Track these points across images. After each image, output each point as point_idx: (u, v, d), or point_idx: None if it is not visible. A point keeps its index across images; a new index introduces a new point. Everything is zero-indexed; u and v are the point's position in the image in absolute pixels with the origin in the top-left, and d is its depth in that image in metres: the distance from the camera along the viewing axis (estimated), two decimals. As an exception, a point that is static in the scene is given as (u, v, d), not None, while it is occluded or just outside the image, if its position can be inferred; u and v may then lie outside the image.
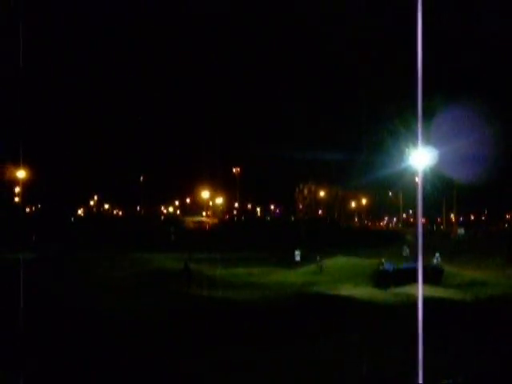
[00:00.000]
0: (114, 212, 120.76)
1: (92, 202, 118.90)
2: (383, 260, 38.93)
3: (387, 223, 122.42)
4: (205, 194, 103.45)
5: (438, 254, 40.16)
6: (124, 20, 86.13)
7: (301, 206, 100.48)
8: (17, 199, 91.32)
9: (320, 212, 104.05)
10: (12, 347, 17.39)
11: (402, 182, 66.91)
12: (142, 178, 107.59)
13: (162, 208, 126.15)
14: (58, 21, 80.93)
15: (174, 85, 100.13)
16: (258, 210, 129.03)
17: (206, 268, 39.79)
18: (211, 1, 79.32)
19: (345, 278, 37.73)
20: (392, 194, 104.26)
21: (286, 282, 36.35)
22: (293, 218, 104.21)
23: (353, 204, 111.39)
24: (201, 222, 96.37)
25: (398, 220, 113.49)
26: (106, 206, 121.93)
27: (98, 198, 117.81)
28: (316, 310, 25.44)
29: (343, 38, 70.66)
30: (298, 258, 46.77)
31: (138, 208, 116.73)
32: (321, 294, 31.14)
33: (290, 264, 44.95)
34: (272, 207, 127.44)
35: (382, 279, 35.87)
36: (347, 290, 32.27)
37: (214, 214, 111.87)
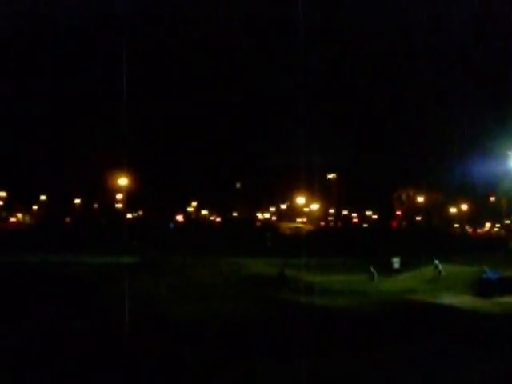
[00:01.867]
0: (212, 218, 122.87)
1: (191, 209, 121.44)
2: (486, 268, 37.51)
3: (489, 229, 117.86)
4: (301, 200, 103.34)
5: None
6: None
7: (398, 212, 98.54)
8: (119, 205, 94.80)
9: (418, 218, 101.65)
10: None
11: (505, 187, 64.38)
12: (238, 185, 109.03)
13: (258, 214, 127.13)
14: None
15: (274, 93, 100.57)
16: (355, 215, 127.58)
17: (304, 274, 39.74)
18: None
19: (444, 286, 36.69)
20: (494, 198, 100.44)
21: (384, 290, 35.76)
22: (390, 225, 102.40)
23: (452, 210, 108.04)
24: (297, 228, 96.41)
25: (500, 226, 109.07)
26: (204, 212, 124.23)
27: (196, 204, 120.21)
28: (417, 319, 24.86)
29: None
30: (396, 266, 45.90)
31: (235, 214, 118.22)
32: (421, 302, 30.43)
33: (389, 271, 44.19)
34: (369, 213, 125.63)
35: (485, 288, 34.55)
36: (448, 299, 31.39)
37: (310, 220, 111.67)
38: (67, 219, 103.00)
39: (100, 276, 39.69)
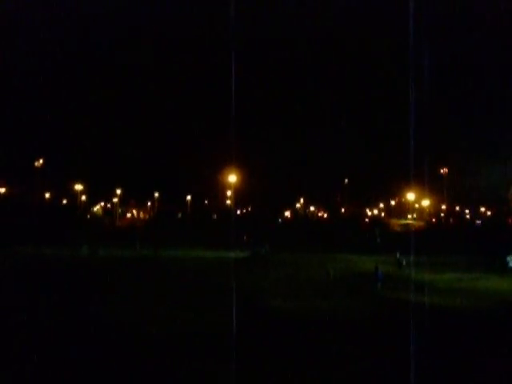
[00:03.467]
0: (319, 214, 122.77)
1: (298, 205, 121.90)
2: None
3: None
4: (410, 196, 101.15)
5: None
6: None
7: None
8: (228, 202, 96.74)
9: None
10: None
11: None
12: (346, 181, 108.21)
13: (367, 210, 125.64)
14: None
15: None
16: (467, 212, 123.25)
17: (414, 272, 38.92)
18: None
19: None
20: None
21: (497, 290, 34.31)
22: (506, 222, 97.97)
23: None
24: (407, 225, 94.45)
25: None
26: (312, 209, 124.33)
27: (304, 200, 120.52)
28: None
29: None
30: (511, 265, 43.99)
31: (343, 210, 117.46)
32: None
33: (503, 270, 42.39)
34: (482, 209, 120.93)
35: None
36: None
37: (421, 217, 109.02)
38: (179, 215, 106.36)
39: (213, 269, 40.80)
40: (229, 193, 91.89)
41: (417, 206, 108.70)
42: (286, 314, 24.60)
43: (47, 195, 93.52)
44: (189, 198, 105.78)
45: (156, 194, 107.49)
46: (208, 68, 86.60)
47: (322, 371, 16.29)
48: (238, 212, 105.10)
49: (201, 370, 15.91)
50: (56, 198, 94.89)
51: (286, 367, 16.52)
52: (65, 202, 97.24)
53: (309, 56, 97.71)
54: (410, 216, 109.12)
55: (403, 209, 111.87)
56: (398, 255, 46.00)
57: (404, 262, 43.66)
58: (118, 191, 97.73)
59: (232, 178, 77.10)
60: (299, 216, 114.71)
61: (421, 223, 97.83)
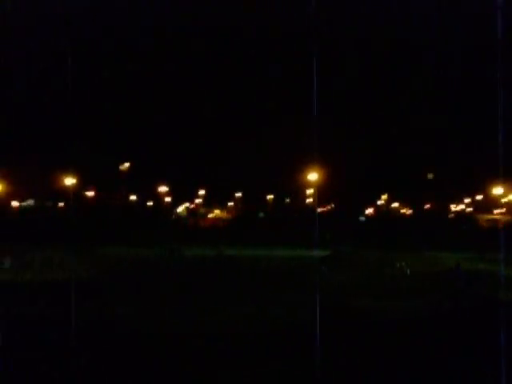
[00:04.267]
0: (402, 211, 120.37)
1: (381, 202, 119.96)
2: None
3: None
4: (498, 191, 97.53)
5: None
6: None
7: None
8: (310, 200, 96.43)
9: None
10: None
11: None
12: (431, 176, 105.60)
13: (452, 206, 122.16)
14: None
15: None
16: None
17: (503, 269, 37.60)
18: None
19: None
20: None
21: None
22: None
23: None
24: (494, 220, 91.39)
25: None
26: (395, 205, 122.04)
27: (387, 196, 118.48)
28: None
29: None
30: None
31: (428, 206, 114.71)
32: None
33: None
34: None
35: None
36: None
37: (510, 211, 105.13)
38: (261, 214, 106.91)
39: (296, 268, 40.96)
40: (310, 191, 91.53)
41: (505, 200, 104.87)
42: (373, 314, 24.39)
43: (133, 198, 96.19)
44: (270, 197, 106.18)
45: (238, 194, 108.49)
46: (289, 66, 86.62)
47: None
48: (320, 210, 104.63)
49: (290, 365, 15.96)
50: (141, 201, 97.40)
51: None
52: (150, 203, 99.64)
53: (385, 55, 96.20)
54: (497, 211, 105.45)
55: (490, 204, 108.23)
56: (483, 252, 44.65)
57: (490, 259, 42.36)
58: (202, 192, 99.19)
59: (313, 176, 76.67)
60: (382, 213, 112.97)
61: (509, 218, 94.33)
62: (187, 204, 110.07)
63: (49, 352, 16.99)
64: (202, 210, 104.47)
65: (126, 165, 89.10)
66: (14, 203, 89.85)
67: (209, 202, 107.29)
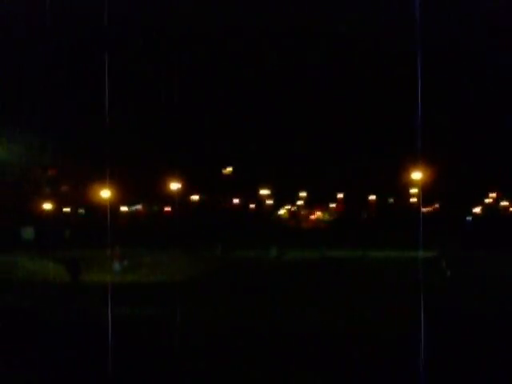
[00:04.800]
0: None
1: (489, 200, 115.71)
2: None
3: None
4: None
5: None
6: None
7: None
8: (413, 200, 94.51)
9: None
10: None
11: None
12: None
13: None
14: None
15: None
16: None
17: None
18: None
19: None
20: None
21: None
22: None
23: None
24: None
25: None
26: (504, 204, 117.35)
27: (495, 195, 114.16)
28: None
29: None
30: None
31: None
32: None
33: None
34: None
35: None
36: None
37: None
38: (364, 215, 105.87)
39: (402, 269, 40.34)
40: (414, 190, 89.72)
41: None
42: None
43: (236, 201, 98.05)
44: (373, 197, 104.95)
45: (340, 195, 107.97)
46: (391, 66, 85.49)
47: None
48: (424, 210, 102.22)
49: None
50: (244, 204, 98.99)
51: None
52: (252, 206, 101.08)
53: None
54: None
55: None
56: None
57: None
58: (303, 194, 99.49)
59: (417, 175, 75.03)
60: (490, 212, 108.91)
61: None
62: (288, 206, 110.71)
63: (163, 352, 17.59)
64: (304, 212, 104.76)
65: (229, 169, 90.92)
66: (123, 208, 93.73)
67: (310, 204, 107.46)
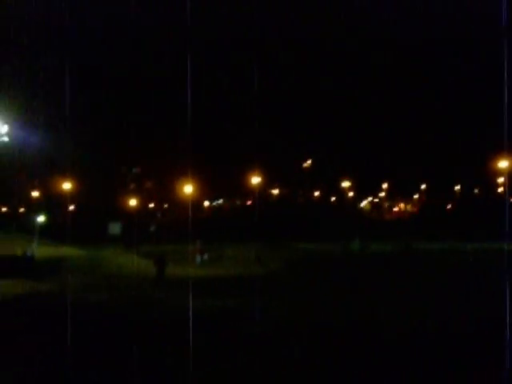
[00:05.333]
0: None
1: None
2: None
3: None
4: None
5: None
6: None
7: None
8: (500, 189, 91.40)
9: None
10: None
11: None
12: None
13: None
14: None
15: None
16: None
17: None
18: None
19: None
20: None
21: None
22: None
23: None
24: None
25: None
26: None
27: None
28: None
29: None
30: None
31: None
32: None
33: None
34: None
35: None
36: None
37: None
38: (448, 206, 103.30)
39: (484, 263, 39.20)
40: (501, 179, 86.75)
41: None
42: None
43: (316, 193, 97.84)
44: (458, 187, 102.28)
45: (423, 186, 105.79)
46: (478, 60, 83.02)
47: None
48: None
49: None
50: (325, 196, 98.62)
51: None
52: (333, 199, 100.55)
53: None
54: None
55: None
56: None
57: None
58: (385, 185, 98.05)
59: (504, 164, 72.52)
60: None
61: None
62: (370, 198, 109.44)
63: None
64: (387, 204, 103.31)
65: (309, 161, 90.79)
66: (206, 203, 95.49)
67: (392, 196, 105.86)
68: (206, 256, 45.44)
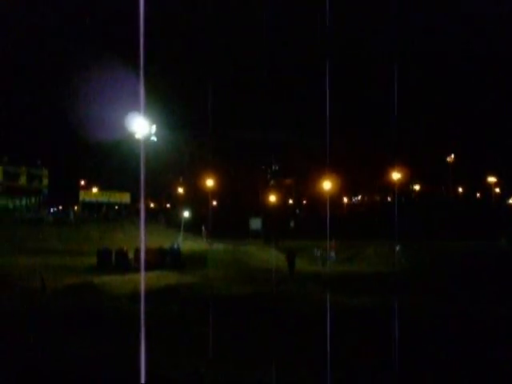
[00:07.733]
0: None
1: None
2: None
3: None
4: None
5: None
6: None
7: None
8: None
9: None
10: None
11: None
12: None
13: None
14: None
15: None
16: None
17: None
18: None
19: None
20: None
21: None
22: None
23: None
24: None
25: None
26: None
27: None
28: None
29: None
30: None
31: None
32: None
33: None
34: None
35: None
36: None
37: None
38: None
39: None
40: None
41: None
42: None
43: (460, 189, 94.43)
44: None
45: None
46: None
47: None
48: None
49: None
50: (469, 192, 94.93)
51: None
52: (478, 195, 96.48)
53: None
54: None
55: None
56: None
57: None
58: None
59: None
60: None
61: None
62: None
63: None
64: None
65: (453, 156, 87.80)
66: (345, 199, 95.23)
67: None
68: (332, 254, 45.08)
